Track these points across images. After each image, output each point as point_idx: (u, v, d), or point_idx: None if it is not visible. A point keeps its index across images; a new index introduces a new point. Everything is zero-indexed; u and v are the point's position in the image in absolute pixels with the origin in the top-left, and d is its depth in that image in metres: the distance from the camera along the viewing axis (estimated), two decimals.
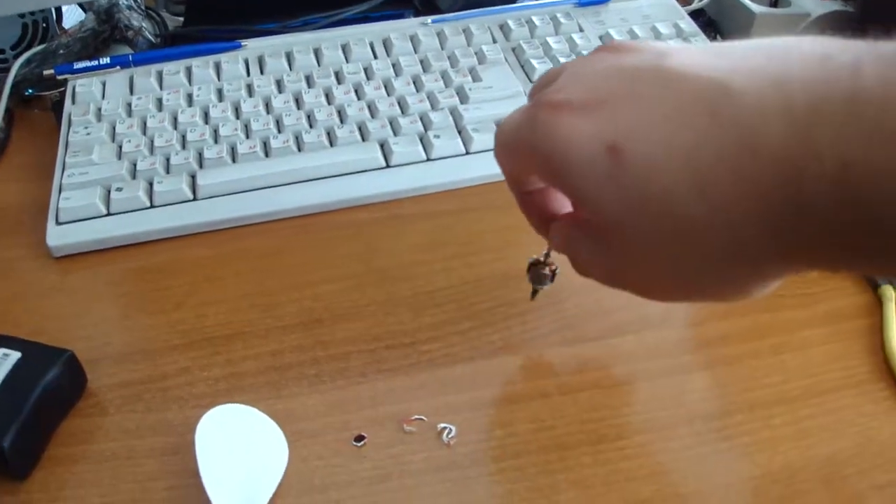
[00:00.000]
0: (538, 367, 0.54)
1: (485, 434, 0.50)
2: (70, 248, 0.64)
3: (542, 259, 0.54)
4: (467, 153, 0.69)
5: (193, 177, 0.67)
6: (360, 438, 0.49)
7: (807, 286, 0.59)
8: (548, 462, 0.48)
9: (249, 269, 0.62)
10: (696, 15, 0.83)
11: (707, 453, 0.49)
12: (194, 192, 0.66)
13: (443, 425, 0.50)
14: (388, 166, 0.68)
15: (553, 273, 0.54)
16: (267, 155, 0.69)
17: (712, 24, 0.85)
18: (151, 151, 0.69)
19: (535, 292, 0.56)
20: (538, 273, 0.54)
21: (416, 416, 0.50)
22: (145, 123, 0.72)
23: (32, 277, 0.63)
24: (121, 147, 0.70)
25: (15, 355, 0.51)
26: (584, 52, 0.77)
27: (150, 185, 0.66)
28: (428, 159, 0.68)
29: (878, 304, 0.58)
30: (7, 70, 0.81)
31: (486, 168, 0.67)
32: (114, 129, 0.72)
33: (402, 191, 0.67)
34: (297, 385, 0.53)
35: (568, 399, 0.52)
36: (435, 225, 0.65)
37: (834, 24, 0.79)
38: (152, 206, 0.66)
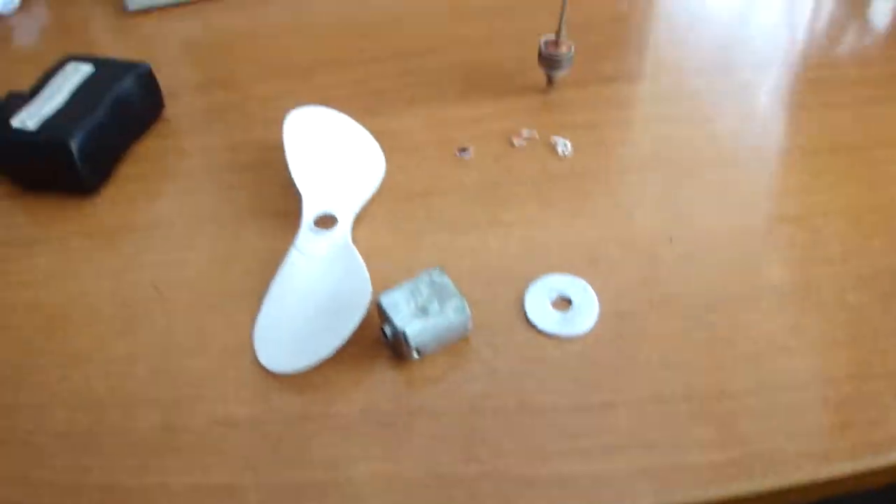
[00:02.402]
0: (661, 93, 0.46)
1: (604, 148, 0.43)
2: (143, 2, 0.58)
3: (554, 38, 0.45)
4: None
5: None
6: (464, 150, 0.43)
7: None
8: (674, 175, 0.41)
9: (335, 7, 0.55)
10: None
11: None
12: None
13: (557, 138, 0.43)
14: None
15: (571, 51, 0.45)
16: None
17: None
18: None
19: (550, 79, 0.47)
20: (551, 57, 0.45)
21: (527, 132, 0.44)
22: None
23: (107, 29, 0.57)
24: None
25: (87, 68, 0.46)
26: None
27: None
28: None
29: None
30: None
31: None
32: None
33: None
34: (391, 106, 0.47)
35: (693, 125, 0.44)
36: None
37: None
38: None
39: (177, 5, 0.59)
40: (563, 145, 0.42)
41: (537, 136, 0.43)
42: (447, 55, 0.50)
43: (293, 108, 0.45)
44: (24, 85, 0.45)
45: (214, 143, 0.46)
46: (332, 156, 0.41)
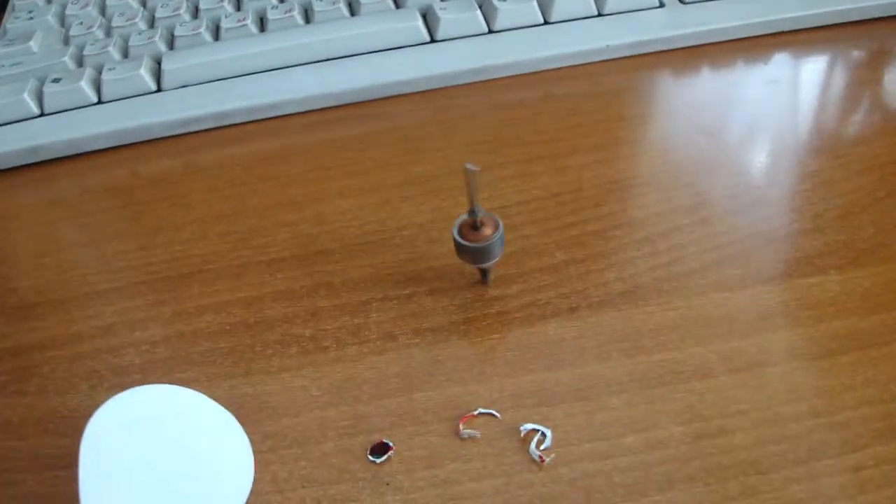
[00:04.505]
0: (686, 323, 0.30)
1: (603, 443, 0.26)
2: None
3: (472, 217, 0.28)
4: (546, 22, 0.45)
5: (159, 62, 0.45)
6: (380, 450, 0.26)
7: None
8: (726, 495, 0.25)
9: (228, 183, 0.39)
10: None
11: None
12: (159, 81, 0.44)
13: (528, 427, 0.26)
14: (433, 41, 0.45)
15: (499, 230, 0.29)
16: (262, 30, 0.46)
17: None
18: (108, 34, 0.47)
19: (485, 273, 0.31)
20: (476, 248, 0.29)
21: (481, 411, 0.27)
22: (104, 2, 0.50)
23: None
24: (68, 31, 0.48)
25: None
26: None
27: (100, 73, 0.44)
28: (490, 31, 0.45)
29: None
30: None
31: (575, 42, 0.44)
32: (64, 11, 0.50)
33: (453, 73, 0.44)
34: (279, 355, 0.30)
35: (747, 379, 0.28)
36: (503, 118, 0.41)
37: None
38: (101, 102, 0.44)
39: (40, 164, 0.43)
40: (540, 437, 0.26)
41: (498, 416, 0.27)
42: (376, 258, 0.34)
43: (133, 354, 0.29)
44: None
45: (17, 414, 0.30)
46: (158, 482, 0.24)
